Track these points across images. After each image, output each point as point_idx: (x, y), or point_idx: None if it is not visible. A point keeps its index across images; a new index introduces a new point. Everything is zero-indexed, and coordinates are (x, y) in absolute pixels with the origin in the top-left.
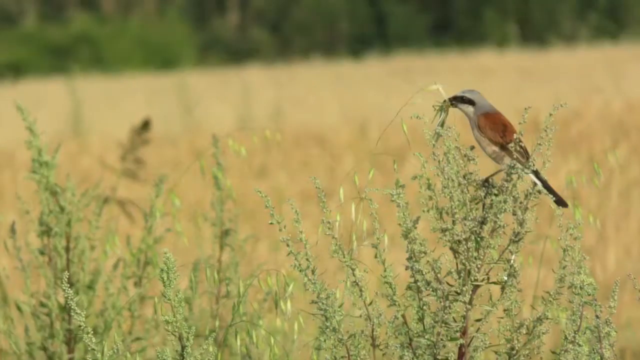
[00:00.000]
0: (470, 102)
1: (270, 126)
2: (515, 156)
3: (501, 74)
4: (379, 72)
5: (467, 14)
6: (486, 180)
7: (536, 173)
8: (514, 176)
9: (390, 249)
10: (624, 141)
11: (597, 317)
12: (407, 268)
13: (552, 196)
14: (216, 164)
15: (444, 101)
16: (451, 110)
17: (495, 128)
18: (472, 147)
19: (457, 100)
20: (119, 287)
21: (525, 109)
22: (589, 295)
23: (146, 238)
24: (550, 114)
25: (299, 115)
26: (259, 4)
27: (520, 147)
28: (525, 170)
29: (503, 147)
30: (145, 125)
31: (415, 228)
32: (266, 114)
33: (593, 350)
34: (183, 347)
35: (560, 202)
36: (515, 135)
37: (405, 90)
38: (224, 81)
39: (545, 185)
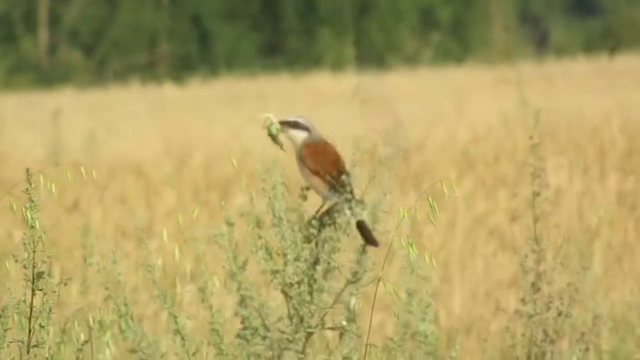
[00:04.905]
0: (306, 129)
1: (84, 157)
2: (331, 190)
3: (337, 100)
4: (204, 98)
5: (299, 34)
6: (315, 217)
7: (353, 208)
8: (336, 214)
9: (222, 292)
10: (469, 174)
11: None
12: (235, 314)
13: (360, 234)
14: (30, 201)
15: (272, 124)
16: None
17: (316, 159)
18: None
19: (290, 125)
20: None
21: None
22: (430, 345)
23: None
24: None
25: (116, 144)
26: (72, 21)
27: (341, 180)
28: (345, 207)
29: (325, 179)
30: None
31: (245, 270)
32: (79, 143)
33: None
34: None
35: (371, 241)
36: (336, 168)
37: (233, 118)
38: (33, 106)
39: (360, 223)
